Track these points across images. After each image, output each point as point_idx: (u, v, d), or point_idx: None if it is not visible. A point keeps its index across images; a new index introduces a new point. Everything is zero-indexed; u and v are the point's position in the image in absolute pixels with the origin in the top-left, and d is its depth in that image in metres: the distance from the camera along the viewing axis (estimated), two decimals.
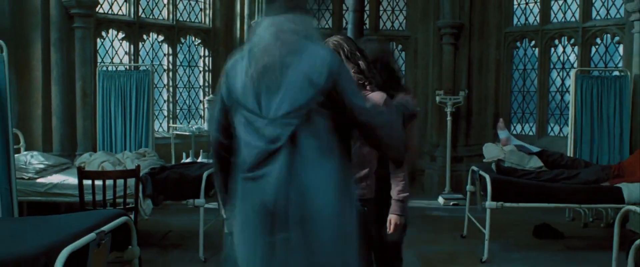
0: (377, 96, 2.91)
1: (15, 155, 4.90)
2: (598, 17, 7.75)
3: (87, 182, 4.58)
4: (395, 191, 2.96)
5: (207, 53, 8.55)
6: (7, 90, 4.22)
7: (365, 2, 7.87)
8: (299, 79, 2.12)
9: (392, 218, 2.97)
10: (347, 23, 7.34)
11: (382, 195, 3.01)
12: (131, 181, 4.80)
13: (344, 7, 8.86)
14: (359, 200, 2.89)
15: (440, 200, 7.87)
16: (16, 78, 6.38)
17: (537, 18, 8.30)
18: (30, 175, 5.23)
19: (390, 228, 2.98)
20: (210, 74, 8.58)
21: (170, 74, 8.22)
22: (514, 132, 8.35)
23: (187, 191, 5.17)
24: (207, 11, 8.51)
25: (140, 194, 4.88)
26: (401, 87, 3.26)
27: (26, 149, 6.07)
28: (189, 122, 8.41)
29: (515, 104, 8.65)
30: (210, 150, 2.48)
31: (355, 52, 2.89)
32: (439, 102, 8.11)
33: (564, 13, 8.09)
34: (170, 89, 8.24)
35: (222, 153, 2.37)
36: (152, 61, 7.99)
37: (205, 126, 8.01)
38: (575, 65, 7.79)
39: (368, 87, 2.93)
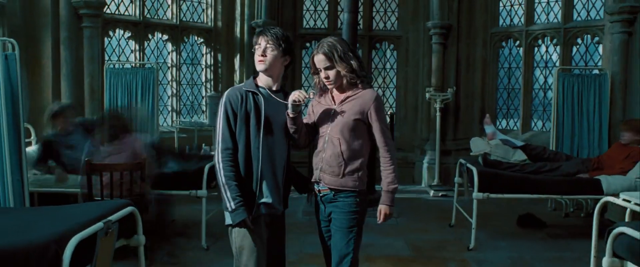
0: (368, 94, 2.92)
1: (27, 148, 4.89)
2: (579, 19, 7.75)
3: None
4: (385, 182, 2.95)
5: (209, 51, 8.53)
6: (19, 86, 4.20)
7: (359, 4, 7.87)
8: None
9: (382, 208, 2.97)
10: (341, 23, 7.34)
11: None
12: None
13: (339, 9, 8.86)
14: (353, 191, 2.91)
15: (430, 191, 7.89)
16: (27, 75, 6.36)
17: (522, 19, 8.30)
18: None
19: (380, 218, 2.99)
20: (211, 71, 8.57)
21: (174, 71, 8.21)
22: (500, 127, 8.37)
23: (187, 184, 5.18)
24: (209, 12, 8.49)
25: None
26: None
27: (37, 143, 6.06)
28: (191, 117, 8.42)
29: (500, 100, 8.66)
30: None
31: (348, 52, 2.90)
32: (428, 99, 8.12)
33: (547, 14, 8.09)
34: (174, 85, 8.23)
35: None
36: (157, 59, 7.97)
37: (207, 121, 8.01)
38: (558, 64, 7.79)
39: (360, 86, 2.94)
